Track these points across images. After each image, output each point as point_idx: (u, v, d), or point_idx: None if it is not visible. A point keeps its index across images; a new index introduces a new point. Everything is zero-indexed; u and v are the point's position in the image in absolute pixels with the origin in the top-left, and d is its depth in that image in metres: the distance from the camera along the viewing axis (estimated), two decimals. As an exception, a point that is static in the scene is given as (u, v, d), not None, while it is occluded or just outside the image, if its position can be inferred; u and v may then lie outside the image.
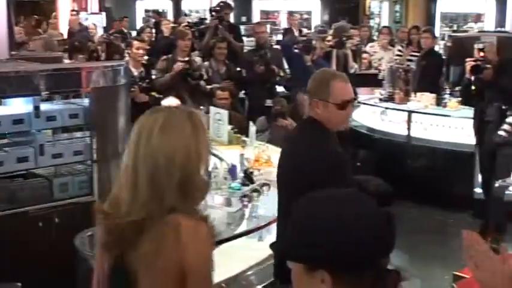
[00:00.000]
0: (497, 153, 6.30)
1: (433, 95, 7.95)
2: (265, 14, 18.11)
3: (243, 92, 8.38)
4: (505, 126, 6.12)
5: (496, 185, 5.79)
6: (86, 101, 4.77)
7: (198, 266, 2.00)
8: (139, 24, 15.93)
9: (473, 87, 6.62)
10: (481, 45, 6.67)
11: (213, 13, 9.30)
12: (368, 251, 1.45)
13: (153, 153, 1.98)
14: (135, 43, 7.39)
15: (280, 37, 12.82)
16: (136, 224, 1.98)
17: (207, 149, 2.11)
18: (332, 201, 1.50)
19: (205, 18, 9.88)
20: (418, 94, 8.07)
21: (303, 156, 3.16)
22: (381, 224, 1.47)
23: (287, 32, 11.25)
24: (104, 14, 15.77)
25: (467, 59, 6.57)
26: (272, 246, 1.59)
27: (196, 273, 2.00)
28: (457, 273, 3.96)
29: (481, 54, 6.52)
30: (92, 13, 16.04)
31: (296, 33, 10.91)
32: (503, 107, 6.19)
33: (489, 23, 13.78)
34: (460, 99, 7.87)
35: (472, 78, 6.52)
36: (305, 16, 17.94)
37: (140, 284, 2.01)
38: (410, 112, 7.71)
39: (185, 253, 1.96)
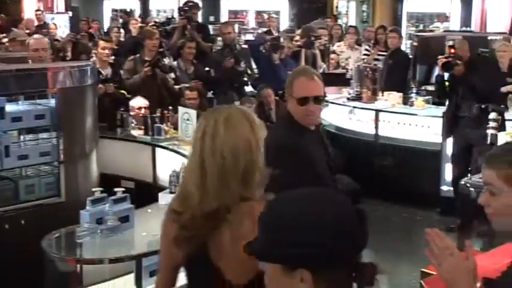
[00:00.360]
0: (474, 149, 6.40)
1: (400, 94, 8.04)
2: (234, 13, 18.09)
3: (212, 92, 8.36)
4: (492, 124, 6.21)
5: (462, 182, 5.87)
6: (52, 102, 4.72)
7: None
8: (107, 24, 15.80)
9: (447, 83, 6.74)
10: (451, 42, 6.79)
11: (181, 13, 9.28)
12: (347, 247, 1.46)
13: (220, 148, 2.17)
14: (101, 43, 7.34)
15: (248, 37, 12.83)
16: (211, 215, 2.15)
17: (262, 142, 2.28)
18: (308, 200, 1.51)
19: (173, 18, 9.83)
20: (386, 93, 8.15)
21: (267, 146, 3.19)
22: (355, 220, 1.49)
23: (267, 33, 11.18)
24: (70, 13, 15.60)
25: (440, 56, 6.68)
26: (247, 246, 1.57)
27: None
28: (425, 270, 3.99)
29: (452, 50, 6.63)
30: (58, 13, 15.87)
31: (275, 34, 10.88)
32: (483, 106, 6.29)
33: (455, 23, 13.96)
34: (426, 98, 7.97)
35: (445, 74, 6.64)
36: (273, 16, 17.98)
37: (224, 272, 2.16)
38: (377, 111, 7.77)
39: None
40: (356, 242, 1.49)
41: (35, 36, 6.82)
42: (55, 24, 12.93)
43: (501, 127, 6.22)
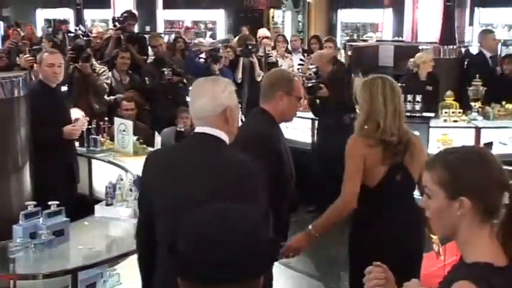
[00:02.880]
0: None
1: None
2: (170, 23, 18.03)
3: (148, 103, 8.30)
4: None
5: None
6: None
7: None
8: (39, 33, 15.47)
9: (317, 101, 7.30)
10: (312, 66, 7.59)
11: (116, 23, 9.17)
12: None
13: (396, 99, 3.58)
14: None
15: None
16: (401, 140, 3.53)
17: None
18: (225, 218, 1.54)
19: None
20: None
21: (250, 137, 3.40)
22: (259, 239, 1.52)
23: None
24: (1, 23, 15.23)
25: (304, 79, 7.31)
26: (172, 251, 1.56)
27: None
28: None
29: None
30: (-12, 22, 15.47)
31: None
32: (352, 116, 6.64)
33: (387, 33, 14.29)
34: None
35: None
36: (210, 25, 18.00)
37: (413, 174, 3.55)
38: (313, 120, 7.86)
39: (422, 153, 3.65)
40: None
41: (50, 50, 6.39)
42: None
43: None
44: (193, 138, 2.91)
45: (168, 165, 2.79)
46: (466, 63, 8.87)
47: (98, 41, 10.07)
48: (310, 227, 3.63)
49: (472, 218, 1.94)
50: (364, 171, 3.50)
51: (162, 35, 11.68)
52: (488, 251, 1.92)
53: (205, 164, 2.69)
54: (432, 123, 7.25)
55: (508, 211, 1.95)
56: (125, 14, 9.41)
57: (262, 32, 11.48)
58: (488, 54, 8.62)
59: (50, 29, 14.51)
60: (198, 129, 2.81)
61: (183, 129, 6.65)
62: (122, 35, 8.85)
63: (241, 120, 7.01)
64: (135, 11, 11.13)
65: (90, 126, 6.24)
